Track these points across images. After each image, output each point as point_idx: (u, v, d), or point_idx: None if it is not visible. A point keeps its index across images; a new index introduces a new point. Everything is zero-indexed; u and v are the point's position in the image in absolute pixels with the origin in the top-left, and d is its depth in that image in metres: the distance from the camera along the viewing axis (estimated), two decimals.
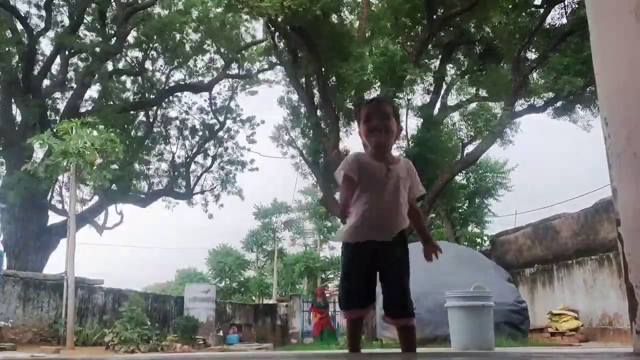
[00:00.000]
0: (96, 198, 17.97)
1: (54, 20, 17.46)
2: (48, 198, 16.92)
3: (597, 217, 10.16)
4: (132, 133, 18.92)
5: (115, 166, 14.23)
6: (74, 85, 17.82)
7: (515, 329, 8.29)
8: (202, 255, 34.29)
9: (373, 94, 14.49)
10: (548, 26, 13.82)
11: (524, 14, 13.71)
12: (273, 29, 15.06)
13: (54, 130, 12.70)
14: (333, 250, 31.82)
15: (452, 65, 17.06)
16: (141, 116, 19.92)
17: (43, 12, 16.82)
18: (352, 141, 15.44)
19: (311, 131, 15.38)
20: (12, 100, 16.63)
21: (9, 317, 10.59)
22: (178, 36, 18.35)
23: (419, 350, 2.67)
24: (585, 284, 10.22)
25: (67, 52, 17.42)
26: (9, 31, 16.48)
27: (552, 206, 26.89)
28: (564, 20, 13.35)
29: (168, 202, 20.23)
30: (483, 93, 17.29)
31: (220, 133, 20.56)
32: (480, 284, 6.16)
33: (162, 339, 11.60)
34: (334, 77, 14.07)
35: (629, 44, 1.77)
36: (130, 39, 18.52)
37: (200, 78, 20.19)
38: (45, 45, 18.35)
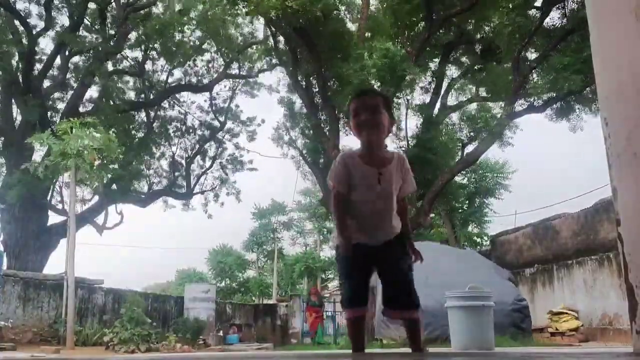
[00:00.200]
0: (96, 198, 17.97)
1: (55, 20, 17.47)
2: (48, 198, 16.92)
3: (597, 217, 10.16)
4: (132, 133, 18.93)
5: (115, 166, 14.22)
6: (74, 85, 17.84)
7: (517, 328, 8.28)
8: (202, 255, 34.28)
9: None
10: (548, 26, 13.81)
11: (524, 14, 13.69)
12: (273, 29, 15.06)
13: (54, 130, 12.71)
14: (333, 250, 31.74)
15: (452, 65, 17.06)
16: (141, 116, 19.94)
17: (43, 12, 16.82)
18: (353, 141, 15.46)
19: (311, 131, 15.38)
20: (12, 100, 16.64)
21: (9, 317, 10.59)
22: (178, 36, 18.36)
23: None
24: (585, 284, 10.22)
25: (67, 52, 17.42)
26: (9, 31, 16.48)
27: (552, 206, 26.94)
28: (564, 20, 13.34)
29: (166, 205, 20.26)
30: (483, 93, 17.29)
31: (221, 133, 20.58)
32: (475, 284, 6.15)
33: (162, 339, 11.61)
34: (334, 77, 14.07)
35: (629, 44, 1.77)
36: (131, 38, 18.53)
37: (200, 78, 20.21)
38: (46, 45, 18.39)
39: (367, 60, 12.10)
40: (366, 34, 15.41)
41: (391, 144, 15.44)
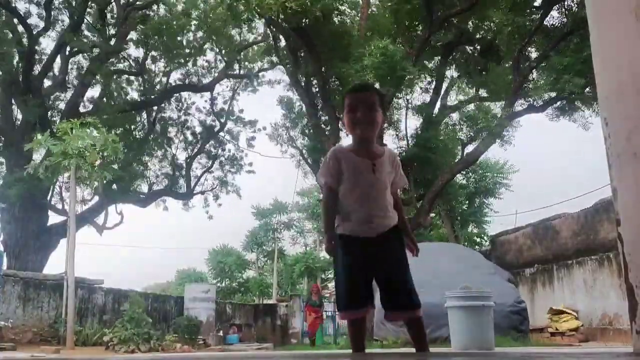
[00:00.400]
0: (96, 198, 17.98)
1: (54, 20, 17.47)
2: (48, 198, 16.93)
3: (597, 217, 10.15)
4: (133, 133, 18.93)
5: (115, 166, 14.23)
6: (75, 85, 17.84)
7: (514, 329, 8.27)
8: (202, 255, 34.27)
9: None
10: (548, 26, 13.81)
11: (524, 14, 13.69)
12: (274, 29, 15.06)
13: (54, 130, 12.70)
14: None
15: (452, 65, 17.05)
16: (142, 116, 19.94)
17: (43, 12, 16.82)
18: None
19: (311, 131, 15.39)
20: (12, 100, 16.64)
21: (9, 317, 10.59)
22: (178, 36, 18.36)
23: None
24: (585, 284, 10.21)
25: (67, 52, 17.43)
26: (9, 31, 16.48)
27: (552, 206, 26.93)
28: (564, 20, 13.33)
29: (165, 206, 20.27)
30: (483, 93, 17.27)
31: (221, 134, 20.59)
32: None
33: (162, 339, 11.61)
34: (334, 77, 14.06)
35: (629, 44, 1.77)
36: (133, 37, 18.54)
37: (201, 78, 20.22)
38: (46, 45, 18.39)
39: (365, 58, 12.08)
40: (366, 34, 15.40)
41: (391, 144, 15.46)
